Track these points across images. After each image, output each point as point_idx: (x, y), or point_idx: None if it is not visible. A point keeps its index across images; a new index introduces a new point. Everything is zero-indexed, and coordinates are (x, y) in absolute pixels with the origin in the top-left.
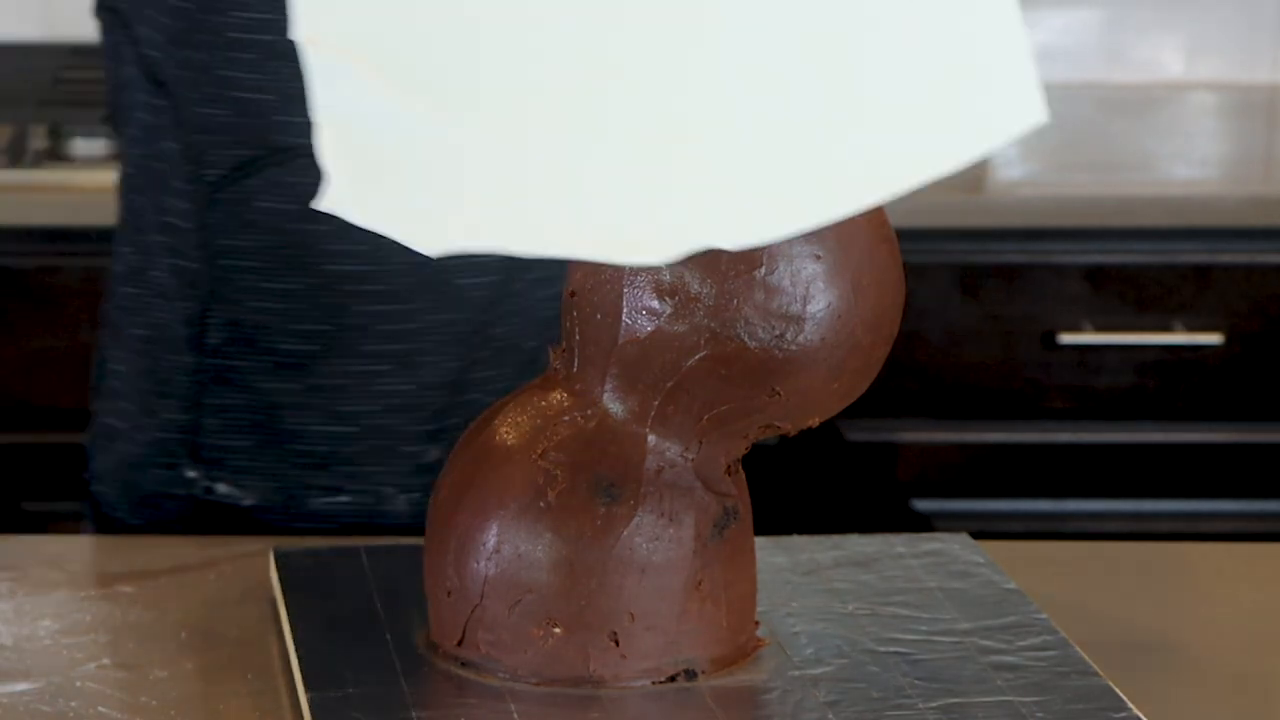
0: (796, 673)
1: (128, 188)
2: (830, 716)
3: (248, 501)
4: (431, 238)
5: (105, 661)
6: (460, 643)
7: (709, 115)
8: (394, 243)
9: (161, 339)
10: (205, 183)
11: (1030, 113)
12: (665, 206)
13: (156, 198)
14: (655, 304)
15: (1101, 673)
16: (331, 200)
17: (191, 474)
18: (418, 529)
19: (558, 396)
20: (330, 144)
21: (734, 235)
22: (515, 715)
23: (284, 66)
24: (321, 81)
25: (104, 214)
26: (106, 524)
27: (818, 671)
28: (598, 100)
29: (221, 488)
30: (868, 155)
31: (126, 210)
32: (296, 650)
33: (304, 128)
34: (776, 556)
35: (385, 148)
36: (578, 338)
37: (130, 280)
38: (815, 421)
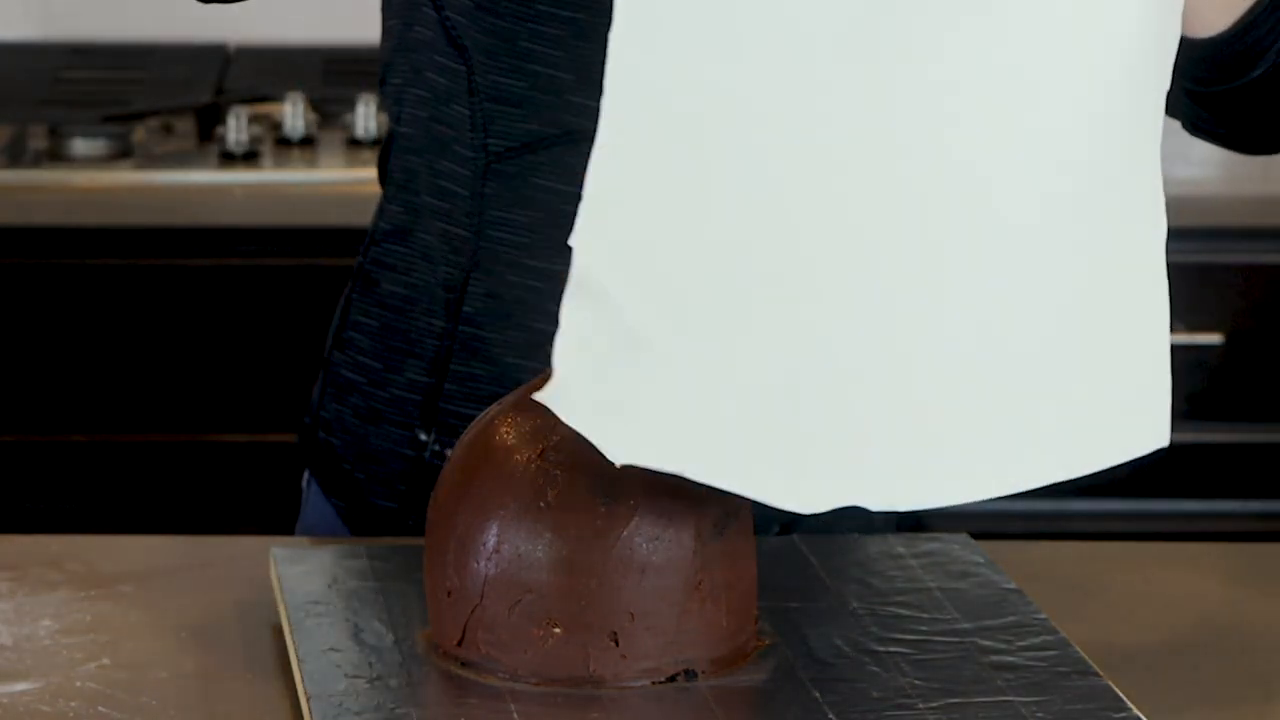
0: (796, 673)
1: (403, 148)
2: (830, 716)
3: None
4: (624, 450)
5: (105, 661)
6: (460, 643)
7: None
8: None
9: (418, 300)
10: (489, 152)
11: (1157, 438)
12: (834, 465)
13: (434, 160)
14: None
15: (1101, 673)
16: (547, 395)
17: (424, 437)
18: None
19: None
20: (564, 347)
21: (882, 501)
22: (515, 715)
23: (586, 47)
24: (577, 290)
25: (103, 214)
26: (329, 475)
27: (818, 671)
28: (819, 352)
29: (449, 451)
30: (1014, 451)
31: (398, 170)
32: (296, 650)
33: (596, 112)
34: (776, 557)
35: (614, 356)
36: None
37: (394, 238)
38: None
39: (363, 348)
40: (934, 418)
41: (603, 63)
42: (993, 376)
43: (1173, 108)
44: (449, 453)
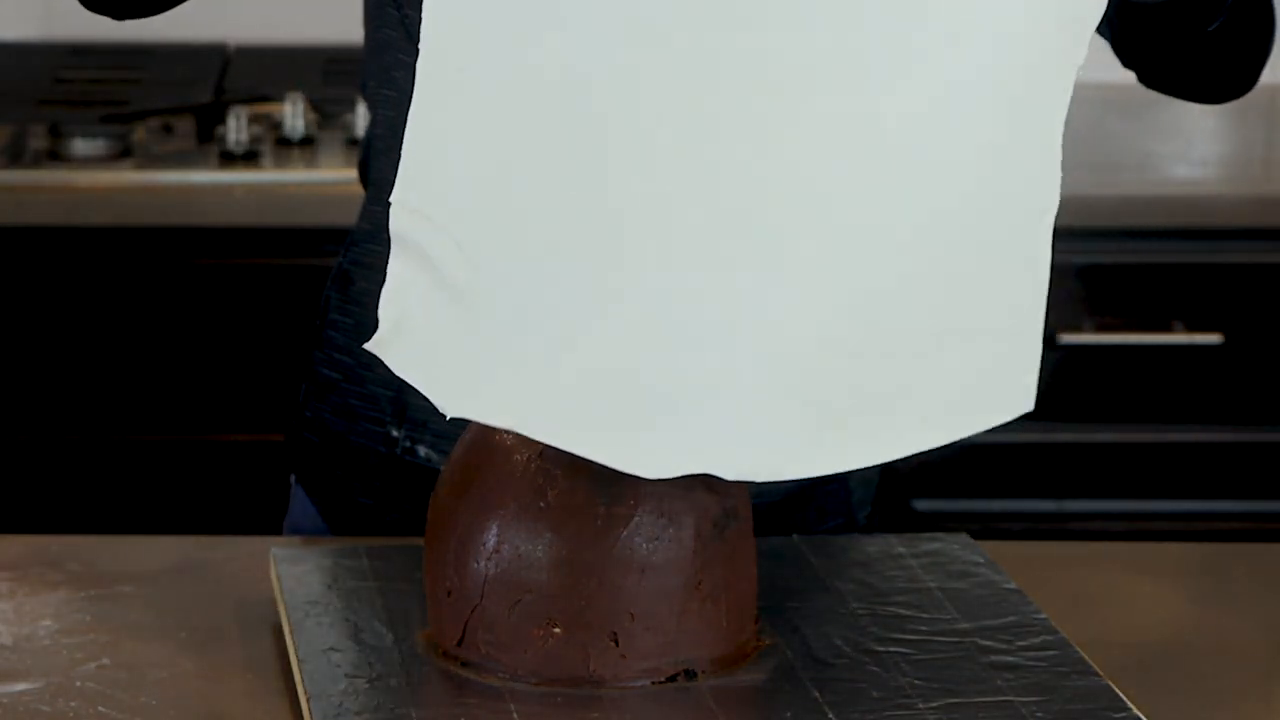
0: (796, 673)
1: (378, 150)
2: (830, 716)
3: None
4: (455, 403)
5: (105, 661)
6: (460, 643)
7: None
8: None
9: None
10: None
11: (1024, 404)
12: (681, 430)
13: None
14: None
15: (1101, 673)
16: (374, 344)
17: (396, 433)
18: None
19: None
20: (387, 299)
21: (734, 470)
22: (515, 715)
23: None
24: (398, 245)
25: (103, 214)
26: (312, 474)
27: (818, 671)
28: (663, 317)
29: (422, 450)
30: (879, 420)
31: (375, 171)
32: (296, 650)
33: None
34: (776, 557)
35: (436, 310)
36: None
37: (372, 238)
38: None
39: (339, 345)
40: (793, 386)
41: None
42: (851, 345)
43: (1128, 60)
44: (421, 450)
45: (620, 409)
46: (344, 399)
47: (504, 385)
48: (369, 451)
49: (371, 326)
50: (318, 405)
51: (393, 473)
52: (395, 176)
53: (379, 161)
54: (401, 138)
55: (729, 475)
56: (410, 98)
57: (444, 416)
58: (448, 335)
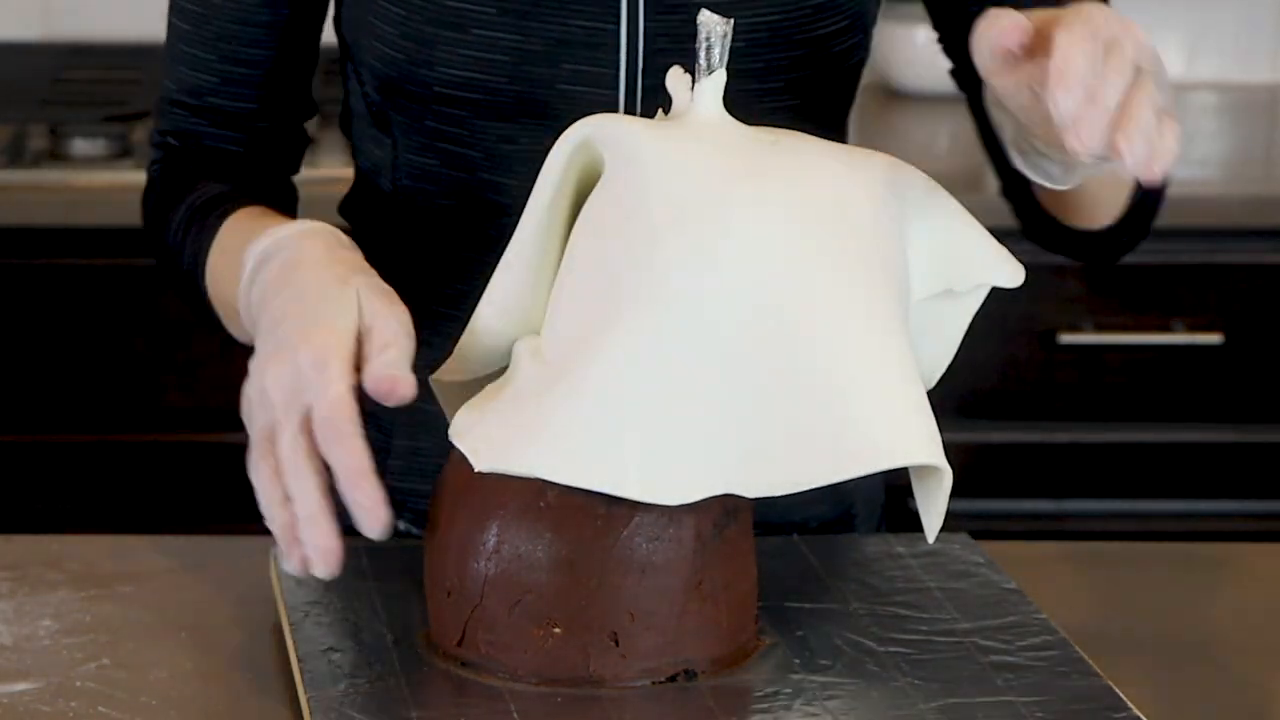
0: (796, 673)
1: (349, 205)
2: (830, 717)
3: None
4: (487, 458)
5: (105, 661)
6: (460, 643)
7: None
8: None
9: None
10: (415, 227)
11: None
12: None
13: (370, 226)
14: None
15: (1101, 673)
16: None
17: None
18: None
19: None
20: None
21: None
22: (515, 715)
23: (491, 126)
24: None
25: (103, 214)
26: None
27: (818, 671)
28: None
29: (401, 524)
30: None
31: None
32: (296, 650)
33: (509, 187)
34: (776, 557)
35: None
36: None
37: None
38: None
39: None
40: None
41: (510, 140)
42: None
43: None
44: (400, 525)
45: (631, 449)
46: None
47: (527, 439)
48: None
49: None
50: None
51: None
52: (362, 242)
53: (352, 220)
54: (370, 206)
55: (750, 494)
56: (376, 173)
57: (424, 497)
58: (490, 405)
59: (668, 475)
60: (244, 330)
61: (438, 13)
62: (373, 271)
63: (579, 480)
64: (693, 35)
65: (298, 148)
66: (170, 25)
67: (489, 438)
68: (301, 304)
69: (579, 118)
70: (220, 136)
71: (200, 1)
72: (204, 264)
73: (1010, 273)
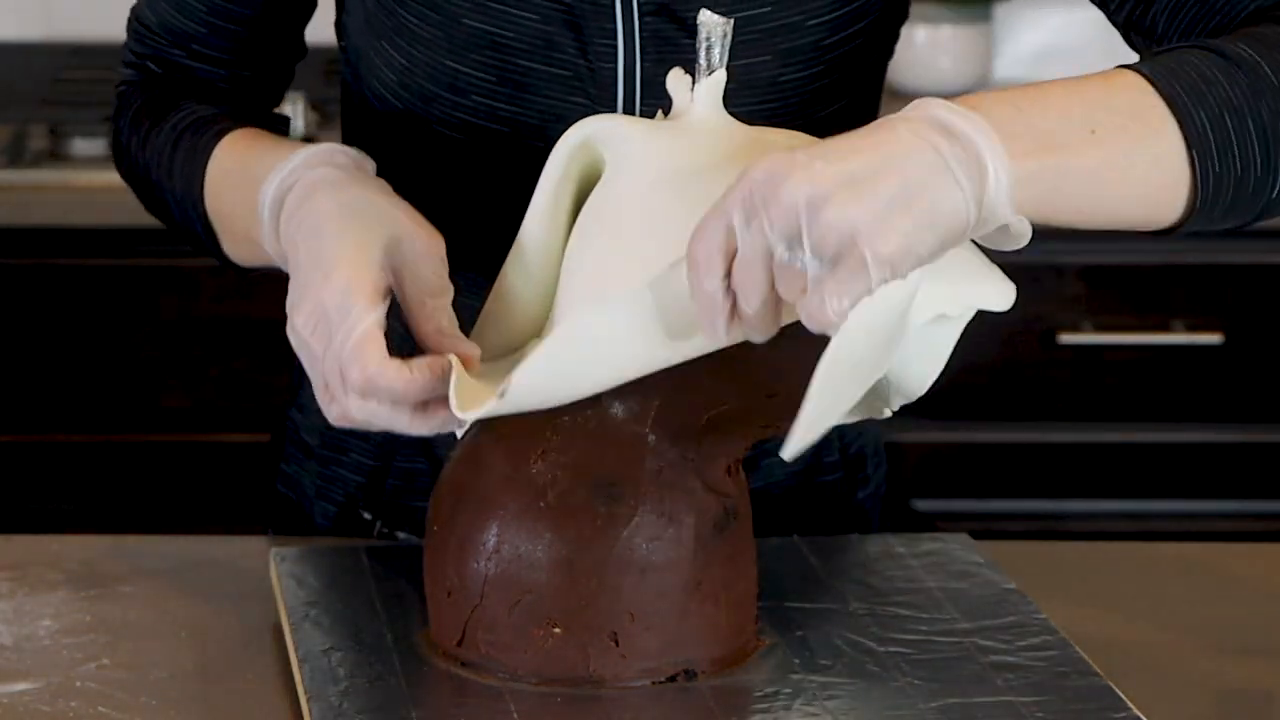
0: (796, 673)
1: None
2: (830, 717)
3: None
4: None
5: (105, 661)
6: (460, 643)
7: None
8: None
9: None
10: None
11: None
12: None
13: None
14: None
15: (1101, 673)
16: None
17: (368, 516)
18: None
19: None
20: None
21: None
22: (515, 715)
23: (486, 177)
24: None
25: (103, 214)
26: (290, 522)
27: (818, 671)
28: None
29: (402, 535)
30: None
31: None
32: (296, 650)
33: (502, 216)
34: (776, 557)
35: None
36: None
37: None
38: None
39: (317, 414)
40: None
41: (504, 189)
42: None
43: None
44: (401, 535)
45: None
46: (322, 467)
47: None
48: (343, 521)
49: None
50: (297, 468)
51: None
52: None
53: None
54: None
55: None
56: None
57: (423, 512)
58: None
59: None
60: (254, 254)
61: (438, 72)
62: (388, 188)
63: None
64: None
65: (282, 84)
66: None
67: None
68: (319, 240)
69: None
70: (203, 71)
71: None
72: (201, 184)
73: (1001, 295)
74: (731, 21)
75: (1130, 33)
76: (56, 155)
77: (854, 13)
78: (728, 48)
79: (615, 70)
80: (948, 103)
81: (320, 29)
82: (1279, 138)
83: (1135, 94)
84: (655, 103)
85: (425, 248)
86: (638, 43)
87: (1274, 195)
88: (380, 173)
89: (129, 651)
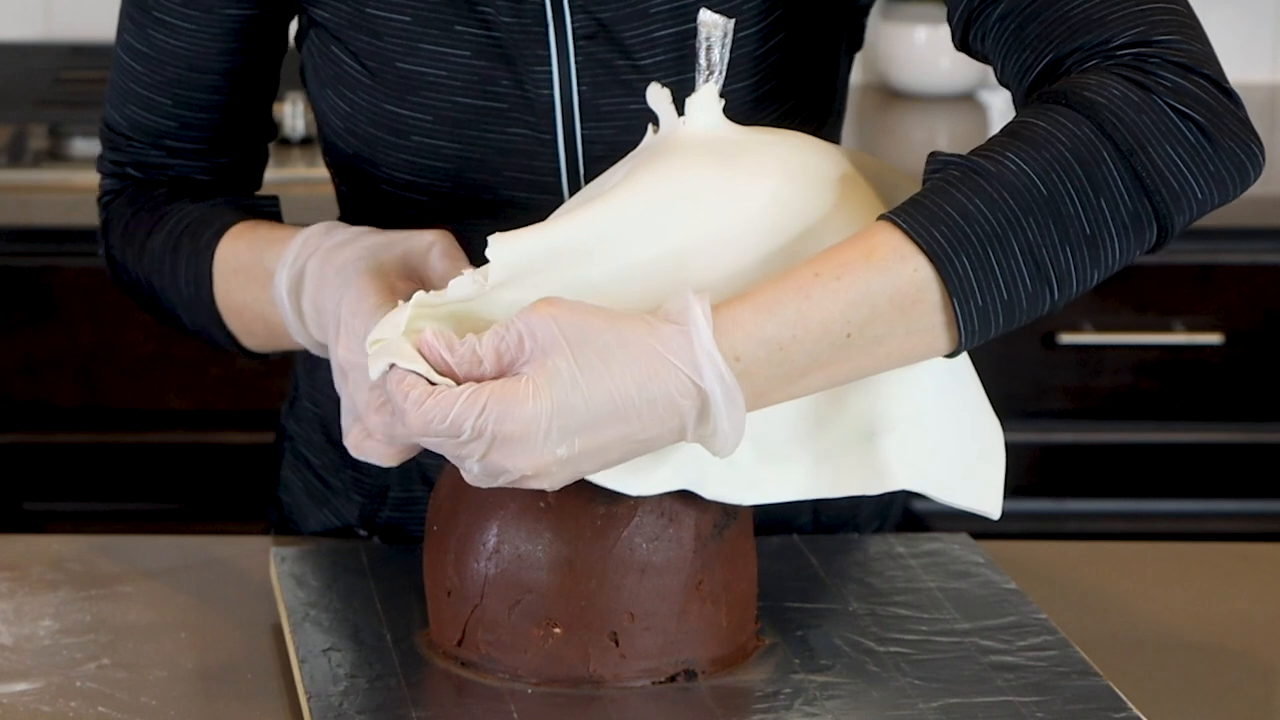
0: (796, 673)
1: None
2: (830, 717)
3: None
4: None
5: (105, 661)
6: (460, 643)
7: None
8: None
9: None
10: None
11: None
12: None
13: None
14: None
15: (1101, 673)
16: None
17: (363, 533)
18: None
19: None
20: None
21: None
22: (515, 715)
23: (440, 218)
24: None
25: None
26: (287, 528)
27: (818, 671)
28: None
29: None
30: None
31: None
32: (296, 650)
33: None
34: (776, 557)
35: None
36: None
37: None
38: None
39: (312, 432)
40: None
41: (459, 230)
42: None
43: None
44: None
45: None
46: (319, 480)
47: None
48: (338, 531)
49: (332, 424)
50: (293, 476)
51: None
52: None
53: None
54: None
55: (707, 495)
56: (343, 215)
57: (421, 535)
58: None
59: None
60: (278, 344)
61: (379, 116)
62: (377, 231)
63: None
64: (633, 141)
65: (260, 164)
66: (118, 61)
67: None
68: (322, 312)
69: (526, 216)
70: (183, 167)
71: (152, 45)
72: (210, 286)
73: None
74: (733, 22)
75: (967, 53)
76: (56, 155)
77: (778, 20)
78: (728, 47)
79: (552, 98)
80: (718, 359)
81: None
82: (1048, 249)
83: (894, 263)
84: (595, 127)
85: (424, 243)
86: (573, 69)
87: (1050, 304)
88: (351, 214)
89: (129, 651)
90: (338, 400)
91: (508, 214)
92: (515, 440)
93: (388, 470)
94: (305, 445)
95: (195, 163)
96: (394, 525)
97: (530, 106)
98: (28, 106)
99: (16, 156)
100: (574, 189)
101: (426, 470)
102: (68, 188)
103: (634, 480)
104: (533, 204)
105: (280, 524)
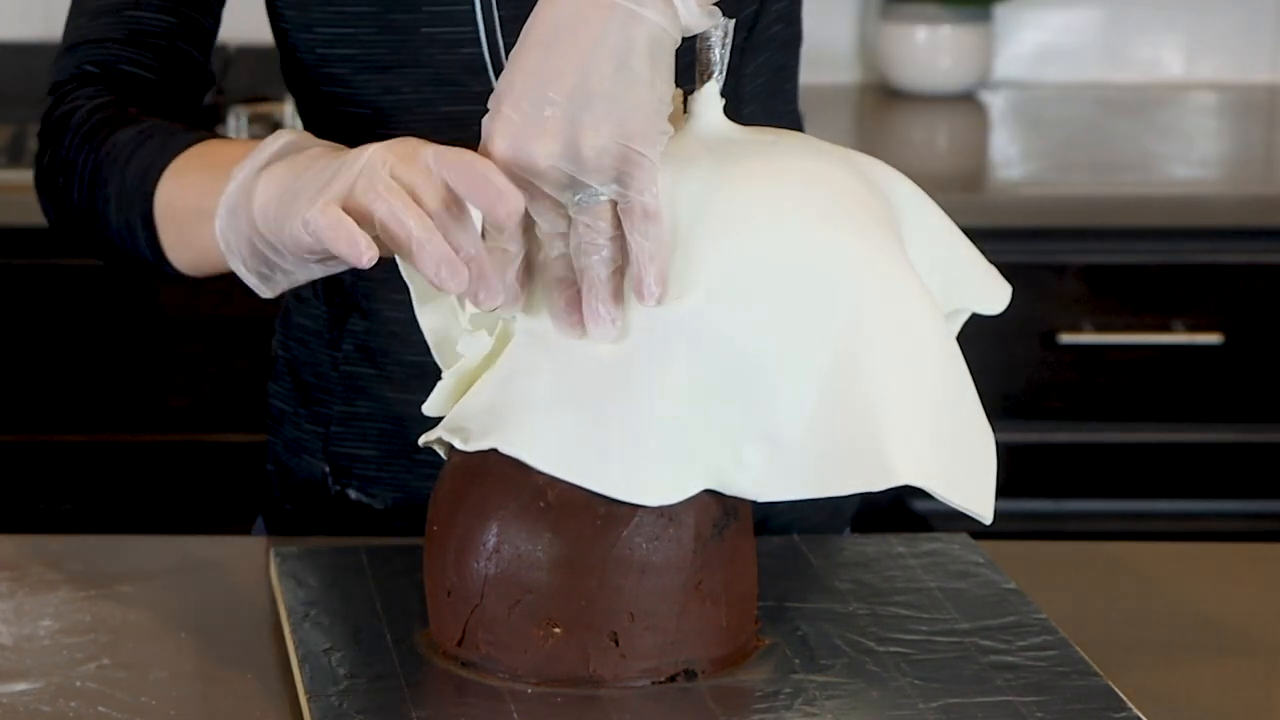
0: (796, 673)
1: None
2: (830, 717)
3: (379, 506)
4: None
5: (105, 661)
6: (460, 643)
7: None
8: None
9: (314, 334)
10: None
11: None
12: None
13: None
14: None
15: (1101, 673)
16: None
17: (326, 470)
18: None
19: None
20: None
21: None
22: (515, 715)
23: (371, 80)
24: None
25: None
26: (268, 505)
27: (818, 671)
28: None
29: (352, 493)
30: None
31: None
32: (296, 650)
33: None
34: (776, 557)
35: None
36: None
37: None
38: None
39: (284, 377)
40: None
41: (389, 90)
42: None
43: None
44: (351, 492)
45: (624, 445)
46: (293, 432)
47: (518, 422)
48: (311, 486)
49: (305, 360)
50: (273, 438)
51: (331, 510)
52: None
53: None
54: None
55: (727, 492)
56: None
57: (368, 461)
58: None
59: (650, 475)
60: (199, 243)
61: (314, 22)
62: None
63: (566, 474)
64: None
65: (203, 88)
66: None
67: (476, 418)
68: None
69: (447, 59)
70: (140, 52)
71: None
72: (159, 171)
73: (995, 296)
74: (733, 22)
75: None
76: None
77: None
78: (729, 47)
79: None
80: None
81: None
82: None
83: None
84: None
85: (410, 147)
86: None
87: None
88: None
89: (129, 651)
90: (302, 335)
91: (430, 54)
92: (504, 130)
93: (333, 382)
94: (280, 398)
95: (160, 61)
96: (339, 442)
97: None
98: (28, 106)
99: (16, 156)
100: (488, 17)
101: (371, 384)
102: None
103: (651, 492)
104: (452, 39)
105: (267, 508)
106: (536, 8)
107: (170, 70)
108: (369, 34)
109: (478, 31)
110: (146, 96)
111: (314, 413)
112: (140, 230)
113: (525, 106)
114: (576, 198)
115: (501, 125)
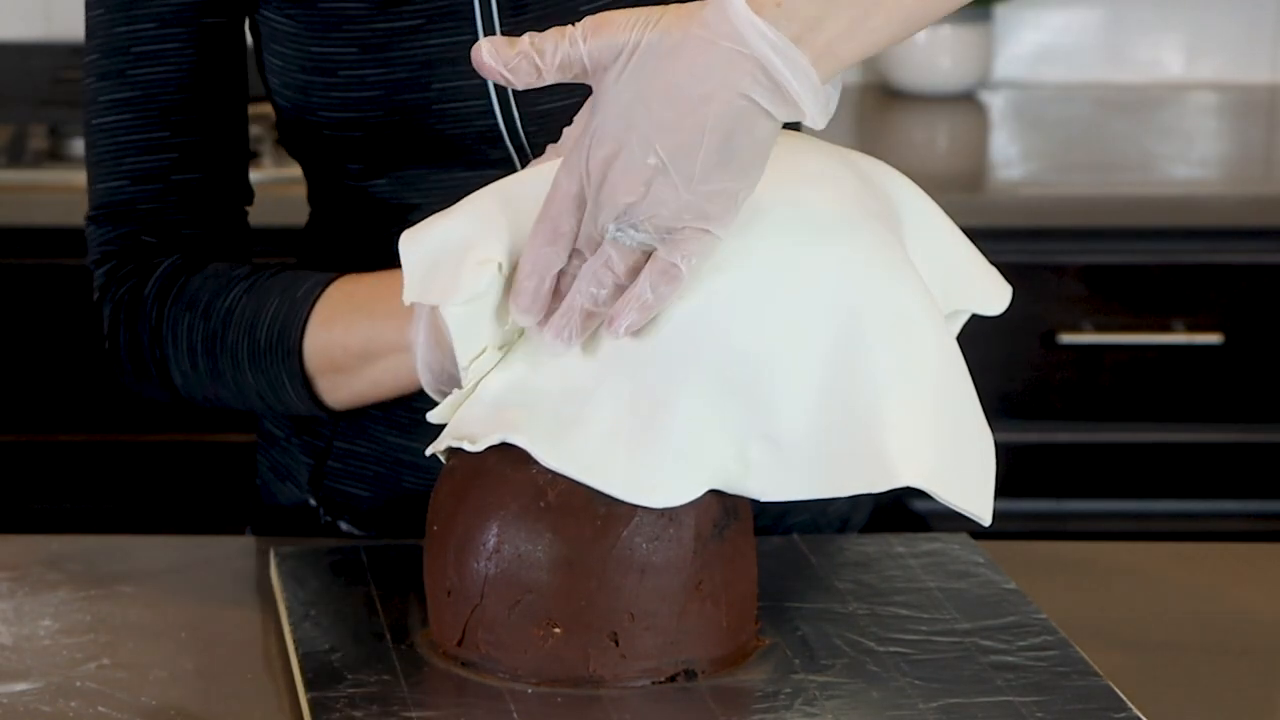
0: (796, 673)
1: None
2: (830, 717)
3: (373, 535)
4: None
5: (105, 661)
6: (460, 643)
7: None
8: None
9: None
10: (332, 255)
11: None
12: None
13: (314, 252)
14: None
15: (1101, 673)
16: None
17: (313, 503)
18: None
19: None
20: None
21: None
22: (515, 715)
23: (385, 154)
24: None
25: None
26: (258, 519)
27: (818, 671)
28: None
29: (344, 525)
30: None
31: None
32: (296, 650)
33: (419, 205)
34: (776, 557)
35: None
36: None
37: None
38: None
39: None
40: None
41: (407, 163)
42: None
43: None
44: (342, 525)
45: (632, 447)
46: (283, 457)
47: (525, 419)
48: (298, 511)
49: None
50: (261, 457)
51: (323, 535)
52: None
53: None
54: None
55: (734, 492)
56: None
57: (362, 500)
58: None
59: (657, 477)
60: (384, 375)
61: (307, 60)
62: None
63: (574, 473)
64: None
65: (247, 231)
66: (100, 131)
67: (482, 420)
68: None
69: (461, 132)
70: (189, 218)
71: (136, 85)
72: (305, 319)
73: (995, 297)
74: None
75: None
76: (56, 155)
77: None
78: None
79: (473, 4)
80: (756, 20)
81: None
82: None
83: None
84: (514, 22)
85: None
86: None
87: None
88: (313, 192)
89: (129, 651)
90: None
91: (444, 128)
92: (611, 180)
93: (334, 422)
94: (272, 420)
95: (202, 204)
96: (337, 479)
97: (448, 13)
98: (28, 106)
99: (16, 156)
100: (502, 89)
101: (371, 425)
102: (68, 188)
103: (659, 493)
104: (465, 112)
105: (256, 519)
106: (678, 42)
107: (215, 218)
108: (376, 115)
109: (491, 104)
110: (203, 250)
111: (306, 443)
112: (287, 383)
113: (633, 144)
114: (618, 231)
115: (598, 148)
